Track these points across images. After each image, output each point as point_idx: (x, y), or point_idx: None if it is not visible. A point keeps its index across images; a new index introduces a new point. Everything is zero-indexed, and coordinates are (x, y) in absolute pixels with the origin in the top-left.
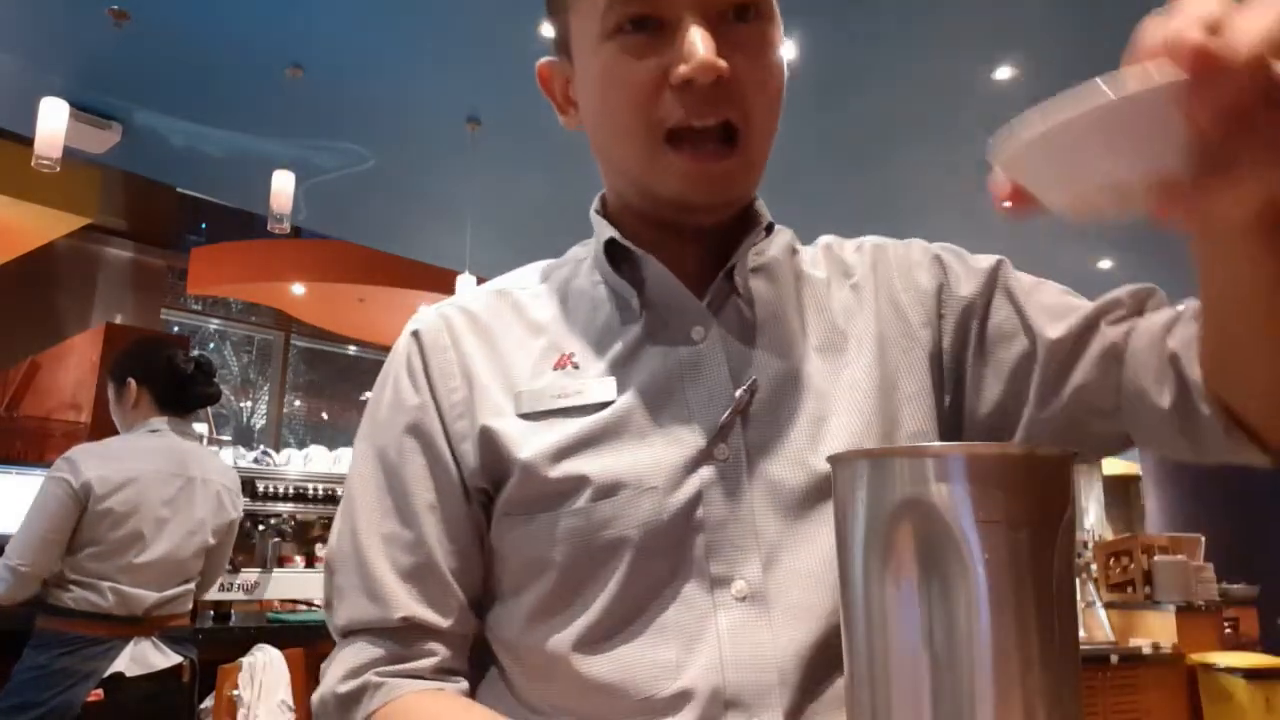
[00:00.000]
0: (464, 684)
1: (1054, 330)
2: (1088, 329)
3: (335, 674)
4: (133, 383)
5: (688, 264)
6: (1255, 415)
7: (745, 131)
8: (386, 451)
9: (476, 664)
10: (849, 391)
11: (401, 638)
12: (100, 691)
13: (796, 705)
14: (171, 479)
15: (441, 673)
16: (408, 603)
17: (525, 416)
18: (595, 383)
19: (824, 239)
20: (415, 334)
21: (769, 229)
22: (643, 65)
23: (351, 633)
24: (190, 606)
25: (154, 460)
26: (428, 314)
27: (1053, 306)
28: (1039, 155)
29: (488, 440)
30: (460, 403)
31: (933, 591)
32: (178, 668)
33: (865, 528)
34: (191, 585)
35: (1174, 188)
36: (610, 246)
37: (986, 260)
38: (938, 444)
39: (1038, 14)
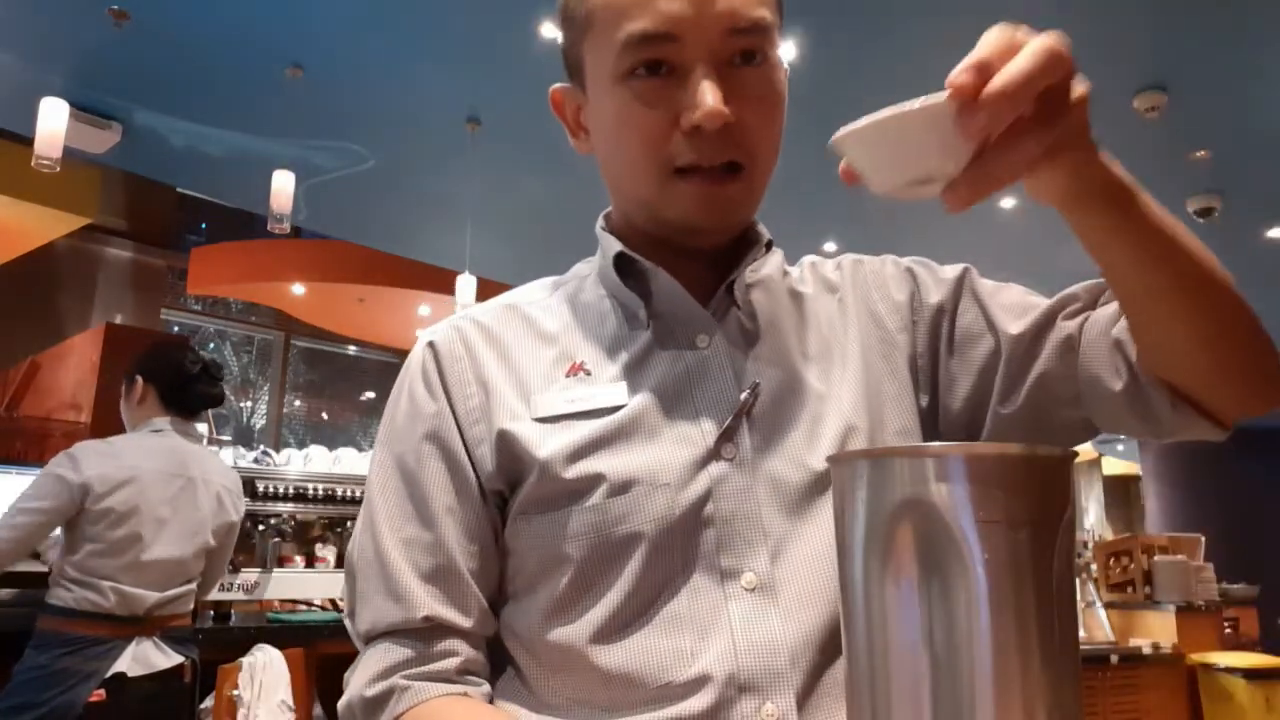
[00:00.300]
0: (486, 687)
1: (1015, 327)
2: (1046, 324)
3: (361, 679)
4: (140, 380)
5: (689, 279)
6: (1193, 386)
7: (749, 167)
8: (405, 458)
9: (492, 665)
10: (839, 395)
11: (425, 638)
12: (102, 692)
13: (806, 686)
14: (172, 479)
15: (464, 674)
16: (430, 603)
17: (541, 420)
18: (607, 388)
19: (807, 259)
20: (430, 344)
21: (768, 246)
22: (655, 111)
23: (375, 637)
24: (191, 607)
25: (155, 460)
26: (441, 326)
27: (1014, 305)
28: (857, 146)
29: (505, 443)
30: (476, 408)
31: (933, 591)
32: (179, 668)
33: (865, 528)
34: (193, 585)
35: (955, 182)
36: (618, 260)
37: (953, 270)
38: (937, 444)
39: (1038, 14)
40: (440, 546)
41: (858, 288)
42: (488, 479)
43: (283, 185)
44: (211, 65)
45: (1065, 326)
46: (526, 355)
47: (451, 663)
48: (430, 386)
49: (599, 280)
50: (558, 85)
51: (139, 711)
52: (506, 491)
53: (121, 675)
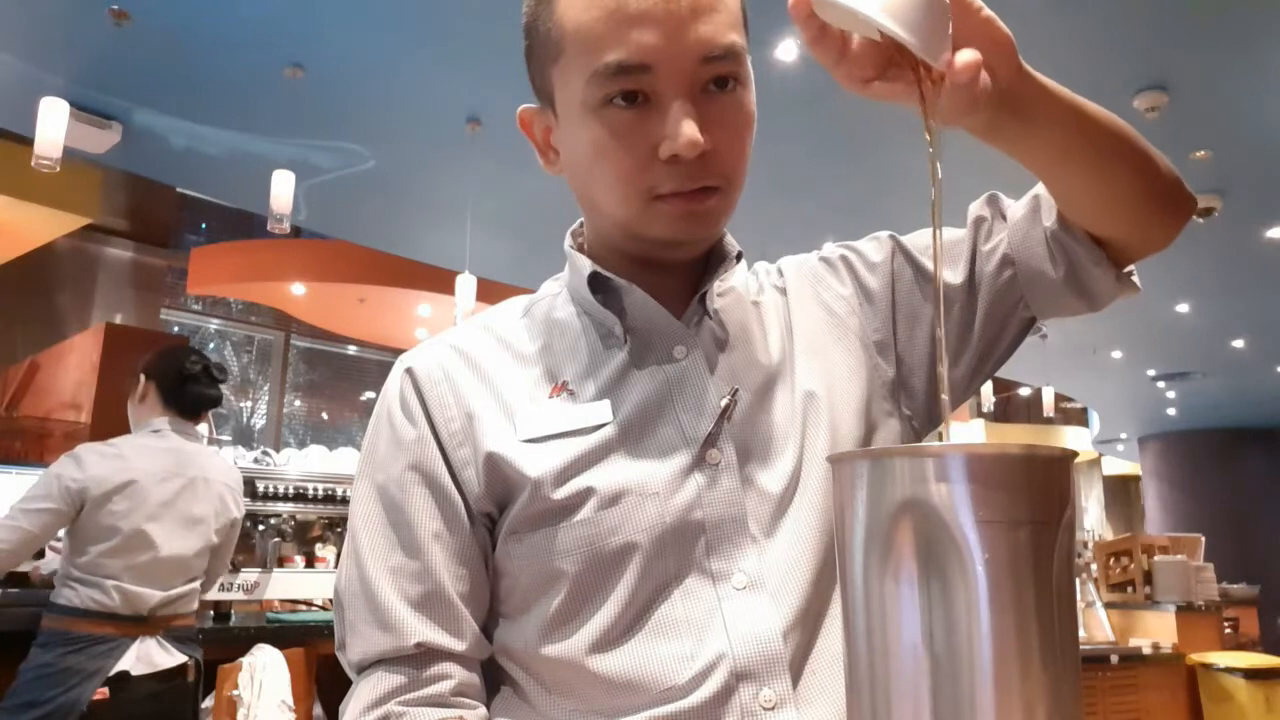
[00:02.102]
0: (482, 710)
1: (956, 276)
2: (974, 257)
3: (355, 709)
4: (143, 378)
5: (661, 292)
6: (1123, 226)
7: (725, 188)
8: (388, 487)
9: (487, 687)
10: (804, 393)
11: (418, 663)
12: (106, 690)
13: (797, 666)
14: (173, 478)
15: (459, 697)
16: (421, 629)
17: (528, 441)
18: (590, 406)
19: (760, 265)
20: (409, 371)
21: (738, 258)
22: (630, 143)
23: (367, 666)
24: (195, 606)
25: (155, 459)
26: (418, 352)
27: (943, 253)
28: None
29: (493, 465)
30: (459, 431)
31: (932, 591)
32: (182, 667)
33: (865, 528)
34: (196, 584)
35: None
36: (593, 279)
37: (878, 248)
38: (937, 444)
39: (1037, 14)
40: (428, 573)
41: (803, 282)
42: (476, 501)
43: (283, 185)
44: (211, 65)
45: (991, 249)
46: (507, 378)
47: (445, 686)
48: (410, 413)
49: (570, 298)
50: (525, 106)
51: (142, 710)
52: (495, 513)
53: (125, 674)
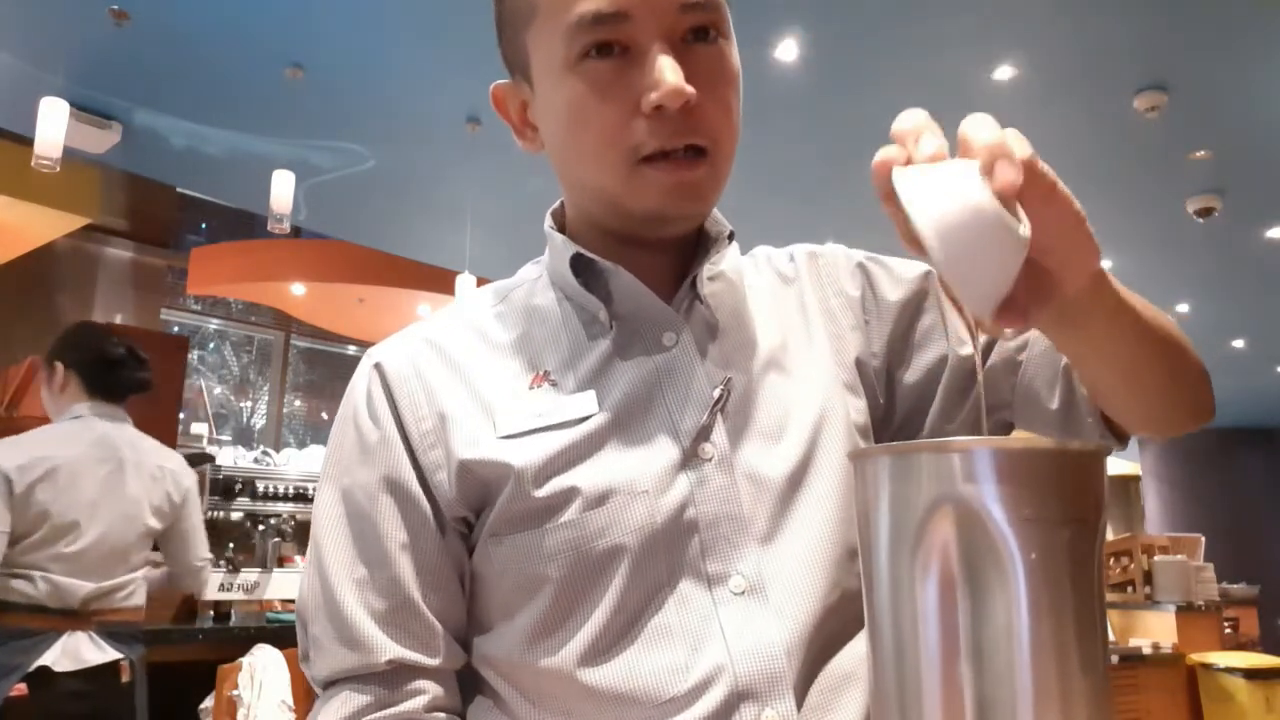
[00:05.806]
0: None
1: (965, 348)
2: (991, 343)
3: None
4: (60, 367)
5: (649, 275)
6: (1135, 424)
7: (713, 151)
8: (353, 494)
9: (463, 697)
10: (806, 384)
11: (388, 680)
12: (24, 686)
13: (803, 686)
14: (99, 463)
15: (433, 711)
16: (391, 645)
17: (506, 438)
18: (574, 398)
19: (760, 249)
20: (376, 366)
21: (730, 238)
22: (611, 98)
23: (335, 683)
24: (139, 601)
25: (77, 446)
26: (388, 346)
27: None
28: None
29: (466, 469)
30: (431, 432)
31: (971, 596)
32: (115, 665)
33: (892, 529)
34: (138, 575)
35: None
36: (575, 261)
37: (913, 268)
38: (967, 438)
39: (1038, 14)
40: (396, 585)
41: (812, 280)
42: (448, 506)
43: (283, 185)
44: (211, 65)
45: (1007, 347)
46: (485, 372)
47: (419, 702)
48: (376, 414)
49: (550, 282)
50: (497, 83)
51: (67, 710)
52: (471, 517)
53: (46, 669)
